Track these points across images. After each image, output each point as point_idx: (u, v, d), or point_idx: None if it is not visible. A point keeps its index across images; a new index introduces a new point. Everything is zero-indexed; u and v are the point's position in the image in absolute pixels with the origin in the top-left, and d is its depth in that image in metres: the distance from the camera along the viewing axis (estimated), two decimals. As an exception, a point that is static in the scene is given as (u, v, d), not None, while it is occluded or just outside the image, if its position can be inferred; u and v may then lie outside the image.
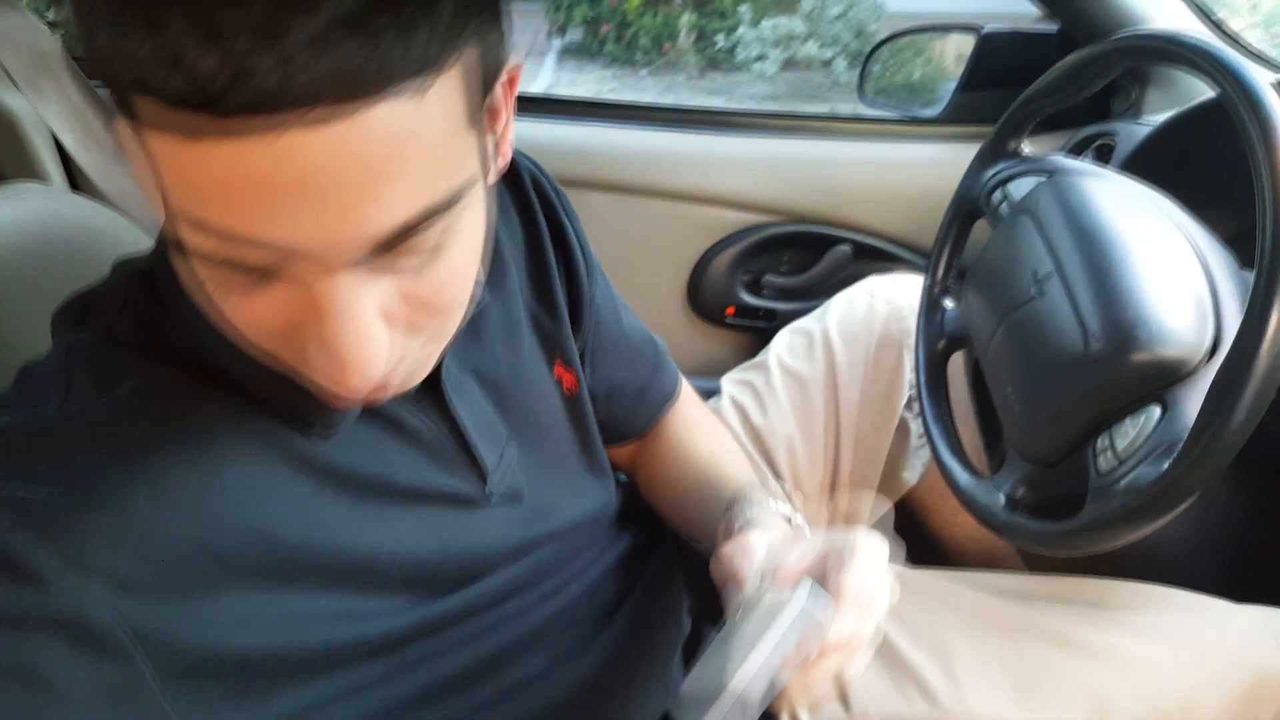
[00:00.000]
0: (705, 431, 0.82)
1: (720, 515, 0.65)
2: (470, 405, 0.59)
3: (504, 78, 0.44)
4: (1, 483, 0.41)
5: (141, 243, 0.81)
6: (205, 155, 0.32)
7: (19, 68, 0.89)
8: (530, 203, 0.67)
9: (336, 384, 0.40)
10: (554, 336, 0.67)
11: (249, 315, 0.40)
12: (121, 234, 0.81)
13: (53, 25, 1.03)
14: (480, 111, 0.40)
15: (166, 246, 0.47)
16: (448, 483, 0.57)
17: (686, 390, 0.85)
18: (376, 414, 0.52)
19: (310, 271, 0.37)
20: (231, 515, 0.45)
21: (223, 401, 0.47)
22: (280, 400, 0.48)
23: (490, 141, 0.44)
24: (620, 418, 0.78)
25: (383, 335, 0.39)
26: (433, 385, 0.56)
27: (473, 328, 0.60)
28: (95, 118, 0.91)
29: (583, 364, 0.72)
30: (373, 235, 0.36)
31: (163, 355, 0.47)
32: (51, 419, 0.44)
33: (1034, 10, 1.07)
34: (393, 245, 0.37)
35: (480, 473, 0.59)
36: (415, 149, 0.35)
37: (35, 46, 0.91)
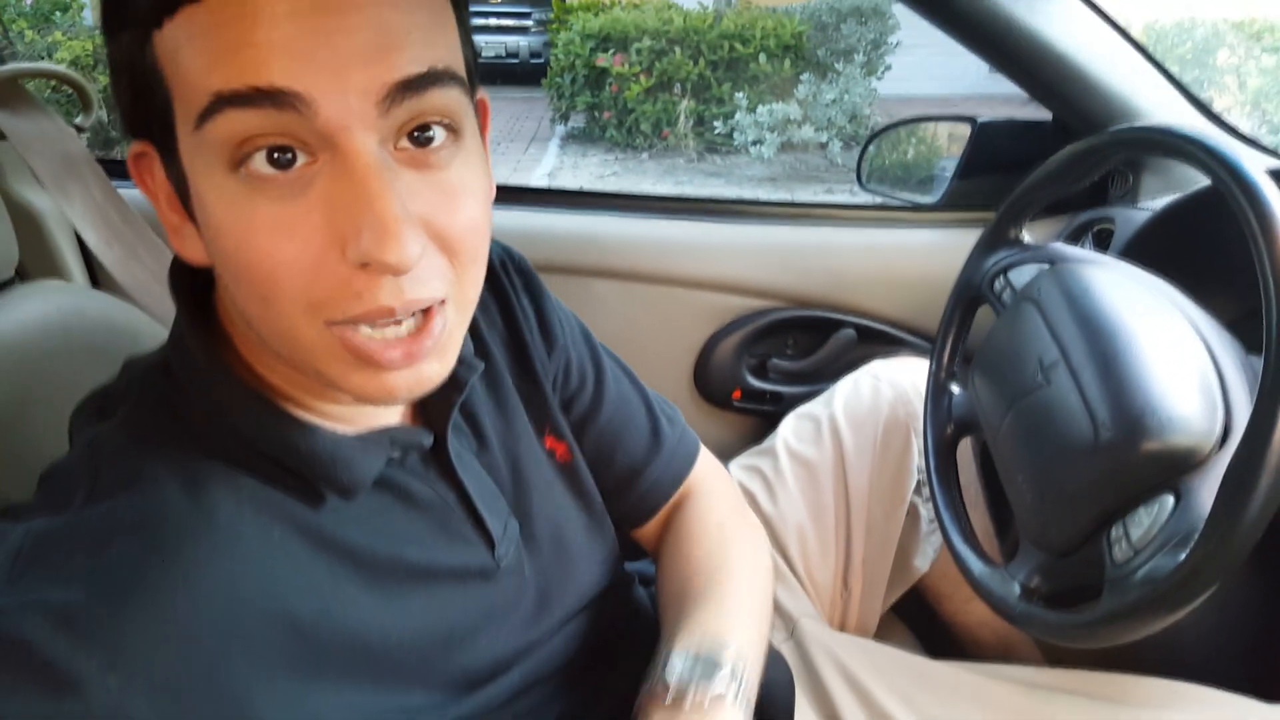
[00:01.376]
0: (703, 532, 0.76)
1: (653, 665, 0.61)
2: (473, 476, 0.59)
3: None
4: (39, 587, 0.41)
5: (161, 338, 0.82)
6: (258, 3, 0.39)
7: (47, 169, 0.93)
8: (502, 282, 0.69)
9: (382, 262, 0.41)
10: (541, 409, 0.68)
11: (289, 247, 0.41)
12: (142, 329, 0.83)
13: (79, 129, 1.07)
14: (464, 9, 0.47)
15: (181, 335, 0.50)
16: (458, 556, 0.57)
17: (708, 472, 0.81)
18: (387, 486, 0.53)
19: (336, 135, 0.40)
20: (260, 603, 0.45)
21: (243, 483, 0.48)
22: (302, 463, 0.49)
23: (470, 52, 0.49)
24: (617, 489, 0.75)
25: (412, 211, 0.42)
26: (438, 454, 0.58)
27: (465, 407, 0.61)
28: (117, 215, 0.94)
29: (579, 432, 0.73)
30: (387, 79, 0.41)
31: (182, 441, 0.48)
32: (82, 518, 0.44)
33: (1020, 93, 1.10)
34: (406, 95, 0.41)
35: (489, 542, 0.59)
36: (410, 5, 0.42)
37: (63, 149, 0.94)
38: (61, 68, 1.11)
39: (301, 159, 0.41)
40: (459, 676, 0.56)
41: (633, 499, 0.76)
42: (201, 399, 0.49)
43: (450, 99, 0.44)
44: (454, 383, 0.57)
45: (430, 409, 0.58)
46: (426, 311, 0.45)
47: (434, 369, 0.47)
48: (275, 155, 0.41)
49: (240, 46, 0.39)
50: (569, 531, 0.68)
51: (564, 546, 0.67)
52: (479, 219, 0.46)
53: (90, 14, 7.85)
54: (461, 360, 0.57)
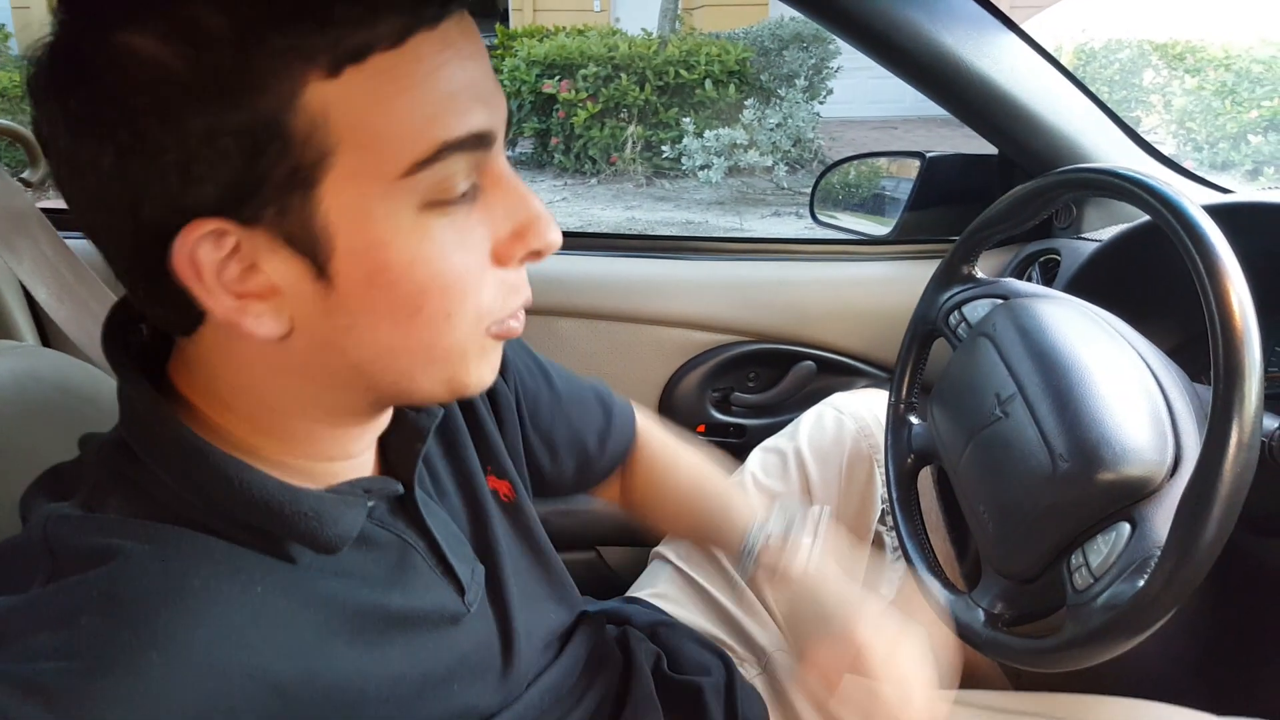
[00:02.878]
0: (678, 448, 0.89)
1: (732, 532, 0.78)
2: (438, 522, 0.60)
3: None
4: (17, 660, 0.40)
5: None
6: (448, 49, 0.43)
7: None
8: None
9: (553, 243, 0.49)
10: (486, 449, 0.69)
11: (469, 260, 0.47)
12: (101, 387, 0.80)
13: (26, 184, 1.05)
14: None
15: (134, 407, 0.49)
16: (431, 601, 0.57)
17: (648, 421, 0.90)
18: (361, 537, 0.53)
19: (494, 159, 0.47)
20: (239, 665, 0.45)
21: (215, 547, 0.47)
22: (284, 523, 0.48)
23: None
24: (595, 460, 0.83)
25: None
26: (405, 503, 0.58)
27: (426, 458, 0.62)
28: (68, 271, 0.91)
29: (534, 447, 0.77)
30: (507, 112, 0.48)
31: (147, 514, 0.47)
32: (44, 594, 0.43)
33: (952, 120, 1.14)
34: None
35: (458, 587, 0.59)
36: None
37: (10, 206, 0.91)
38: (7, 122, 1.09)
39: (477, 186, 0.47)
40: None
41: (607, 457, 0.84)
42: (170, 471, 0.47)
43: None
44: (416, 431, 0.58)
45: (394, 458, 0.58)
46: None
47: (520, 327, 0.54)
48: (465, 184, 0.45)
49: (454, 94, 0.43)
50: (520, 569, 0.68)
51: (523, 588, 0.67)
52: None
53: (17, 44, 7.66)
54: (422, 409, 0.59)
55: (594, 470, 0.84)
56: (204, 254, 0.42)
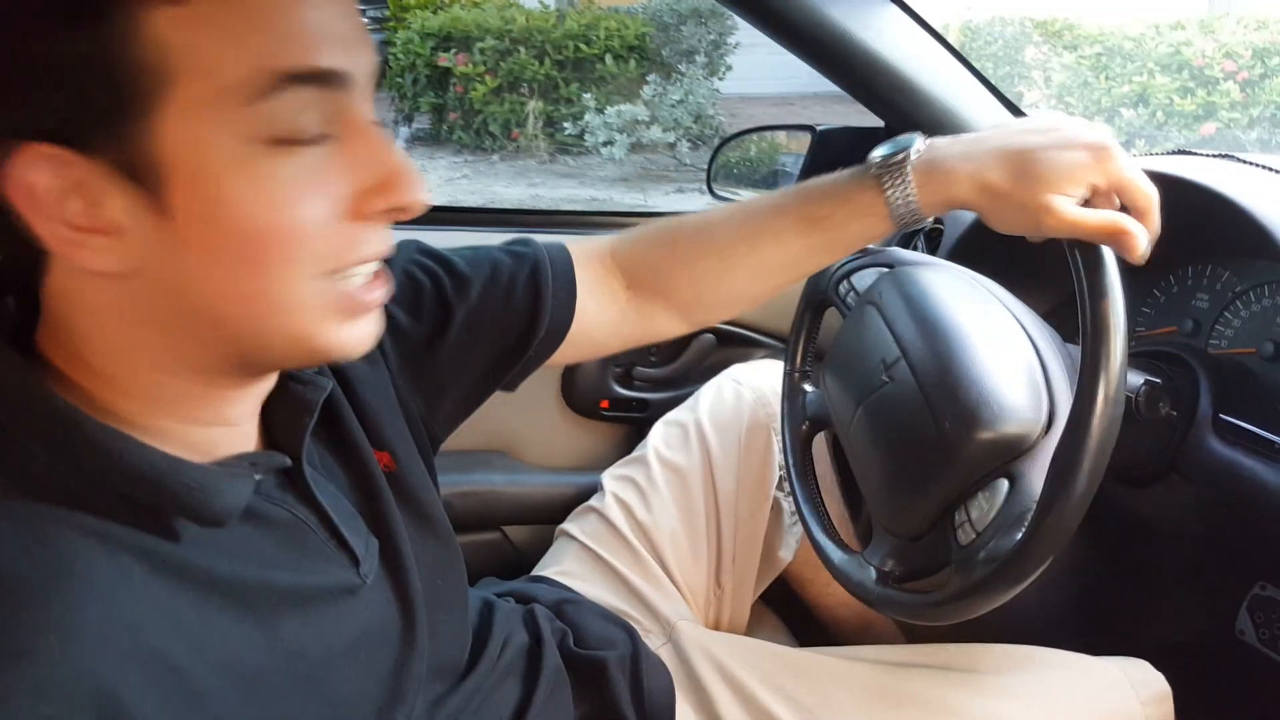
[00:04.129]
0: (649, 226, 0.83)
1: (833, 185, 0.74)
2: (328, 496, 0.59)
3: None
4: None
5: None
6: None
7: None
8: None
9: (405, 201, 0.48)
10: (364, 419, 0.67)
11: (316, 208, 0.45)
12: None
13: None
14: None
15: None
16: (325, 575, 0.56)
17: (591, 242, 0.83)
18: (248, 512, 0.52)
19: (353, 107, 0.46)
20: (131, 646, 0.44)
21: (93, 526, 0.45)
22: (167, 497, 0.47)
23: None
24: (547, 300, 0.75)
25: None
26: (294, 477, 0.57)
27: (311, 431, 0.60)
28: None
29: (432, 387, 0.73)
30: (373, 57, 0.47)
31: (22, 493, 0.45)
32: None
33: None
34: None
35: (353, 558, 0.59)
36: None
37: None
38: None
39: (322, 126, 0.45)
40: (349, 702, 0.55)
41: (559, 285, 0.76)
42: (42, 443, 0.46)
43: None
44: (304, 403, 0.57)
45: (280, 432, 0.57)
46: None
47: (381, 321, 0.53)
48: (310, 125, 0.44)
49: (303, 28, 0.43)
50: (414, 541, 0.67)
51: (417, 556, 0.66)
52: None
53: None
54: (309, 381, 0.58)
55: (560, 305, 0.76)
56: (40, 179, 0.42)
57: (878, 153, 0.71)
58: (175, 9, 0.40)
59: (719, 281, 0.79)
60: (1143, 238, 0.62)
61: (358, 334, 0.51)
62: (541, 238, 0.80)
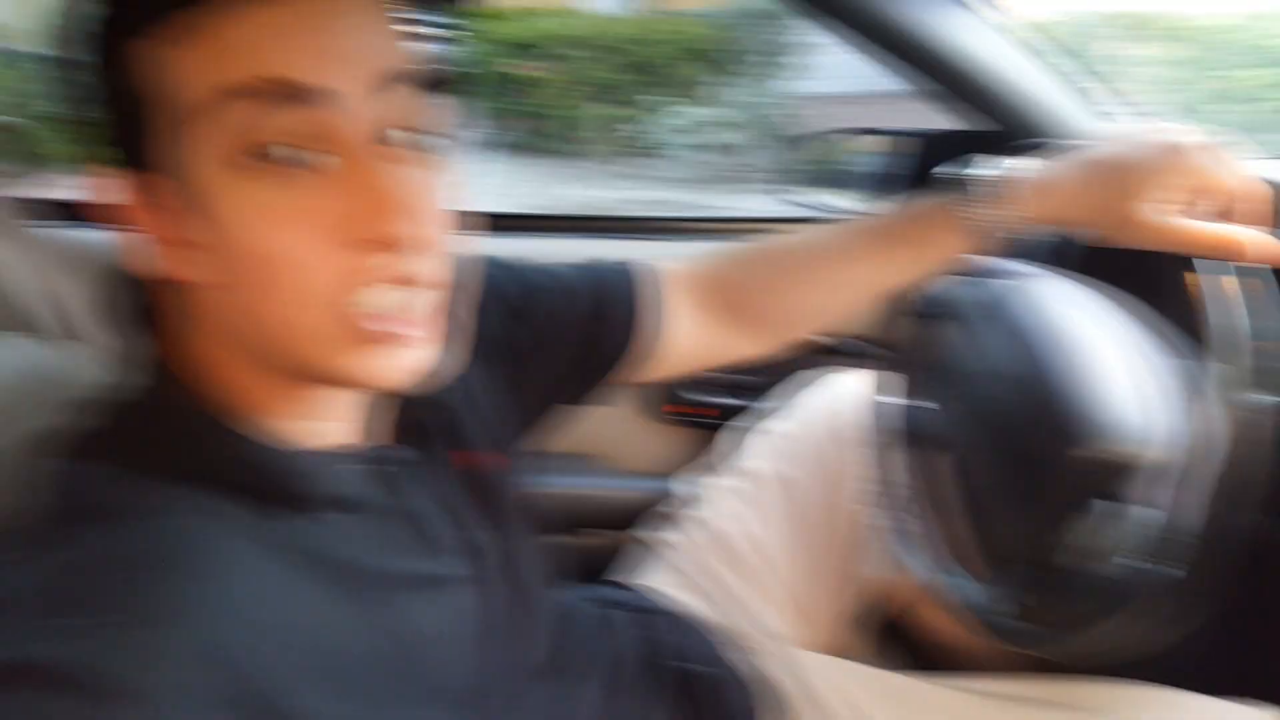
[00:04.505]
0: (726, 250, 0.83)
1: (916, 211, 0.74)
2: (435, 488, 0.62)
3: None
4: (63, 617, 0.41)
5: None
6: (258, 6, 0.43)
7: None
8: None
9: (385, 233, 0.45)
10: (472, 418, 0.68)
11: (303, 238, 0.45)
12: (88, 373, 0.79)
13: (11, 175, 1.02)
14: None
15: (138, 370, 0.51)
16: (433, 565, 0.59)
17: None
18: (361, 500, 0.55)
19: (337, 128, 0.45)
20: (259, 618, 0.46)
21: (223, 508, 0.48)
22: (283, 482, 0.50)
23: None
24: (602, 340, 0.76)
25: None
26: (405, 469, 0.60)
27: (421, 424, 0.63)
28: (54, 260, 0.92)
29: (530, 396, 0.74)
30: (374, 73, 0.46)
31: (150, 473, 0.48)
32: (64, 547, 0.44)
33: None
34: (390, 86, 0.46)
35: (454, 549, 0.61)
36: (381, 13, 0.48)
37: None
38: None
39: (315, 153, 0.45)
40: (441, 689, 0.56)
41: (647, 305, 0.76)
42: (164, 430, 0.50)
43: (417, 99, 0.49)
44: (413, 398, 0.59)
45: (381, 426, 0.60)
46: (421, 301, 0.50)
47: (423, 355, 0.51)
48: (292, 149, 0.45)
49: (244, 44, 0.43)
50: (508, 540, 0.68)
51: (510, 556, 0.67)
52: (445, 220, 0.51)
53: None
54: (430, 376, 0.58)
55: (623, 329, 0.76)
56: (131, 196, 0.48)
57: (966, 172, 0.71)
58: (142, 41, 0.44)
59: (802, 300, 0.80)
60: (1252, 241, 0.60)
61: (387, 364, 0.49)
62: (614, 246, 0.81)
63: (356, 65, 0.45)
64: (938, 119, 1.18)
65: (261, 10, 0.43)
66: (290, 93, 0.44)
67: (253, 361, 0.51)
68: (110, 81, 0.45)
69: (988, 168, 0.70)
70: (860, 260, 0.77)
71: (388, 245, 0.46)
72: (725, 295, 0.81)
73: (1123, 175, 0.65)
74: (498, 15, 7.15)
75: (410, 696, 0.54)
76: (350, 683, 0.50)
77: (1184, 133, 0.65)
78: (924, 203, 0.74)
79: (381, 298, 0.48)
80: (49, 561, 0.43)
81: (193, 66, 0.44)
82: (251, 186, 0.45)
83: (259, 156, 0.44)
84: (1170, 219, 0.63)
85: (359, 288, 0.47)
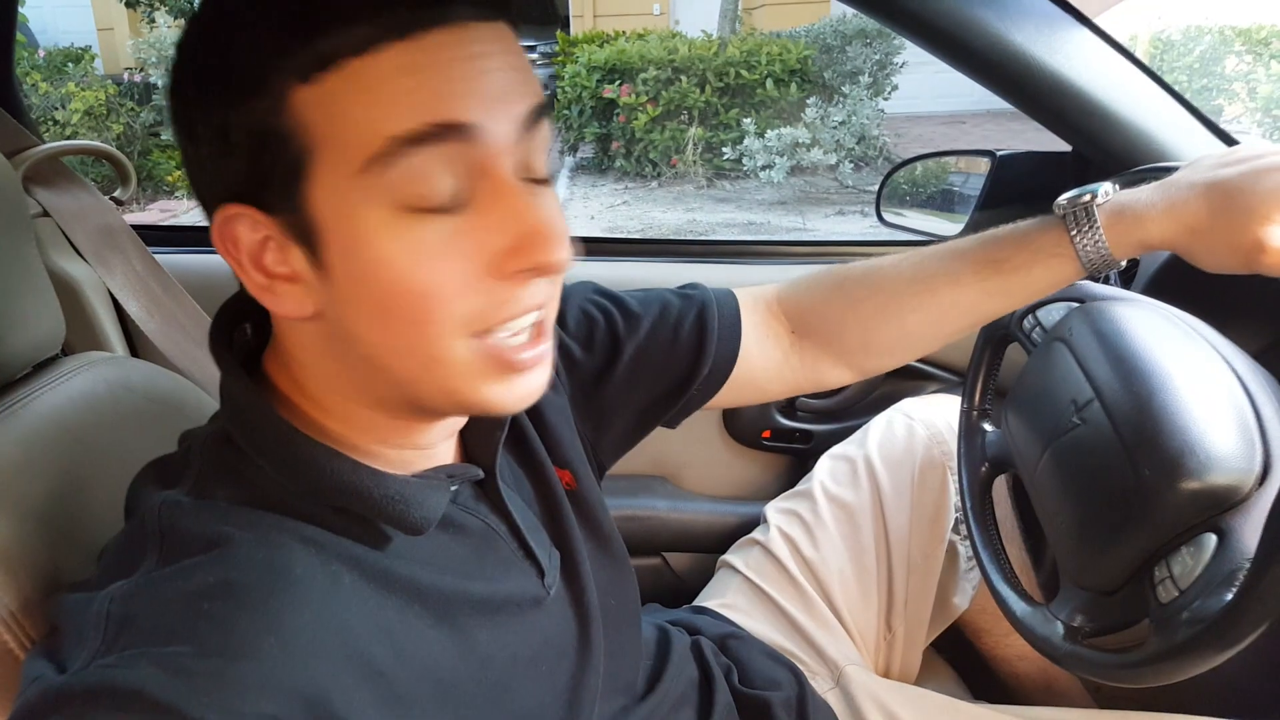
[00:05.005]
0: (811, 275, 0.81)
1: (1015, 234, 0.72)
2: (517, 507, 0.62)
3: None
4: (141, 644, 0.43)
5: (205, 405, 0.84)
6: (422, 55, 0.44)
7: (87, 243, 0.95)
8: None
9: (541, 262, 0.47)
10: (550, 438, 0.70)
11: (454, 267, 0.46)
12: (187, 396, 0.83)
13: (118, 202, 1.09)
14: None
15: (235, 400, 0.52)
16: (514, 585, 0.59)
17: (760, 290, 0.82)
18: (445, 522, 0.55)
19: (492, 165, 0.46)
20: (340, 649, 0.47)
21: (311, 534, 0.50)
22: (373, 507, 0.51)
23: None
24: (712, 349, 0.75)
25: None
26: (487, 488, 0.61)
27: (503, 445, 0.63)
28: (157, 285, 0.96)
29: (606, 416, 0.75)
30: (523, 111, 0.47)
31: (250, 502, 0.50)
32: (163, 578, 0.46)
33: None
34: (532, 123, 0.47)
35: (539, 569, 0.61)
36: (520, 49, 0.48)
37: (102, 222, 0.96)
38: (100, 144, 1.14)
39: (473, 190, 0.46)
40: (530, 712, 0.57)
41: (724, 329, 0.76)
42: (268, 459, 0.51)
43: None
44: (496, 420, 0.60)
45: (474, 446, 0.61)
46: (537, 323, 0.51)
47: (544, 376, 0.52)
48: (456, 188, 0.46)
49: (416, 93, 0.44)
50: (591, 558, 0.69)
51: (593, 574, 0.68)
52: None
53: (102, 64, 7.99)
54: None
55: (723, 348, 0.76)
56: (241, 233, 0.47)
57: (1064, 196, 0.69)
58: (308, 87, 0.44)
59: (888, 326, 0.77)
60: None
61: (516, 393, 0.51)
62: (704, 270, 0.81)
63: (509, 103, 0.46)
64: (1044, 139, 1.16)
65: (426, 54, 0.44)
66: (460, 135, 0.44)
67: (357, 391, 0.52)
68: (260, 122, 0.44)
69: (1098, 191, 0.68)
70: (963, 286, 0.73)
71: (543, 273, 0.47)
72: (809, 319, 0.79)
73: (1237, 196, 0.62)
74: (592, 39, 7.29)
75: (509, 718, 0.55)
76: (441, 711, 0.51)
77: None
78: (1033, 227, 0.71)
79: (522, 326, 0.50)
80: (161, 591, 0.45)
81: (365, 114, 0.44)
82: (416, 225, 0.45)
83: (425, 197, 0.45)
84: None
85: (507, 319, 0.48)
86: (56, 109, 6.67)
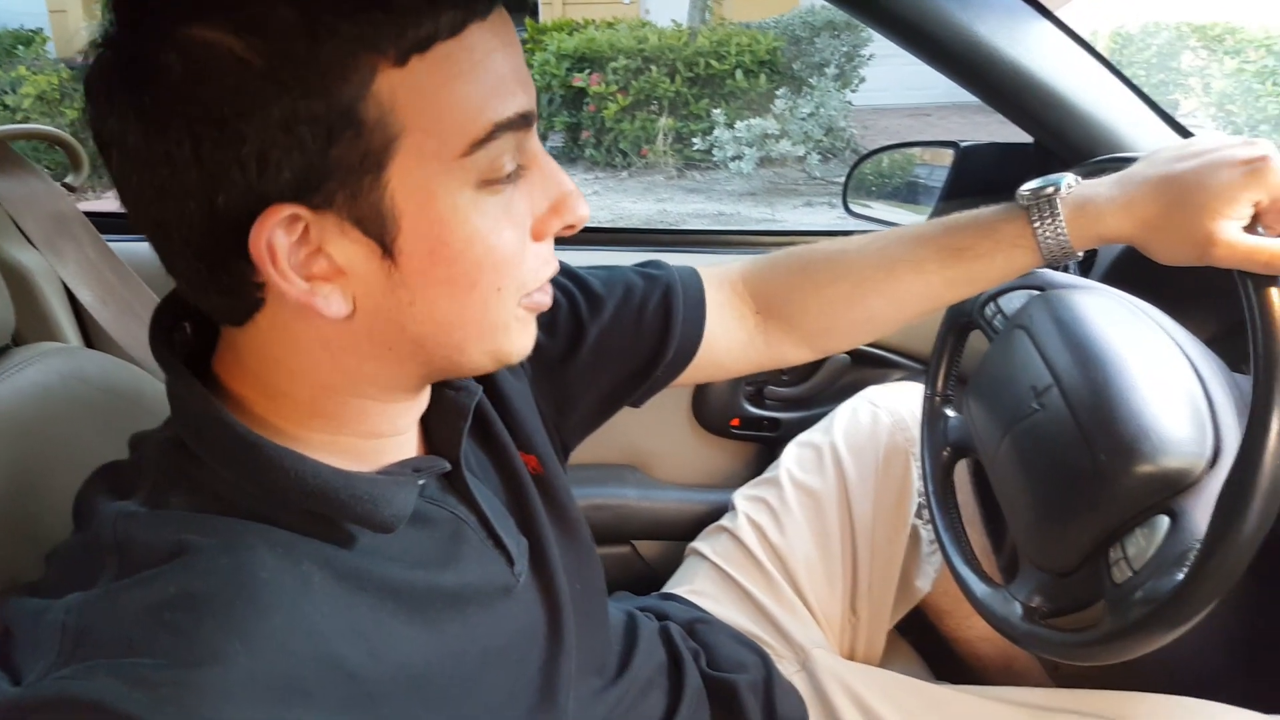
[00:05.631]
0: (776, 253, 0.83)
1: (978, 222, 0.74)
2: (484, 497, 0.61)
3: None
4: (100, 655, 0.42)
5: (163, 397, 0.82)
6: (495, 39, 0.46)
7: (38, 230, 0.93)
8: None
9: (576, 217, 0.52)
10: (513, 423, 0.69)
11: (514, 235, 0.49)
12: (143, 388, 0.82)
13: (70, 188, 1.07)
14: None
15: (185, 404, 0.51)
16: (483, 575, 0.59)
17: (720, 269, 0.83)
18: (414, 517, 0.54)
19: (532, 144, 0.50)
20: (310, 653, 0.46)
21: (278, 537, 0.49)
22: (340, 508, 0.50)
23: None
24: (677, 328, 0.76)
25: None
26: (453, 479, 0.60)
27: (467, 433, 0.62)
28: (111, 273, 0.94)
29: (568, 397, 0.75)
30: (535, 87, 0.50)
31: (211, 510, 0.49)
32: (123, 590, 0.45)
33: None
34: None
35: (508, 558, 0.61)
36: None
37: (54, 209, 0.94)
38: (52, 129, 1.11)
39: (515, 160, 0.49)
40: (503, 701, 0.58)
41: (689, 309, 0.77)
42: (228, 466, 0.49)
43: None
44: (459, 409, 0.60)
45: (438, 438, 0.60)
46: None
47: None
48: (515, 166, 0.49)
49: (503, 79, 0.46)
50: (558, 543, 0.69)
51: (560, 559, 0.67)
52: None
53: (54, 47, 7.78)
54: (462, 387, 0.60)
55: (689, 332, 0.77)
56: (278, 239, 0.44)
57: (1027, 187, 0.70)
58: (398, 71, 0.43)
59: (850, 309, 0.78)
60: None
61: (529, 338, 0.55)
62: (673, 260, 0.81)
63: (534, 87, 0.50)
64: (1007, 131, 1.18)
65: (497, 37, 0.46)
66: (527, 121, 0.48)
67: (365, 381, 0.51)
68: (341, 109, 0.43)
69: (1060, 184, 0.69)
70: (926, 273, 0.75)
71: (574, 229, 0.52)
72: (773, 299, 0.80)
73: (1190, 191, 0.63)
74: (561, 28, 7.25)
75: (472, 712, 0.55)
76: (414, 706, 0.50)
77: (1249, 144, 0.63)
78: (996, 217, 0.72)
79: (549, 276, 0.54)
80: (120, 602, 0.44)
81: (465, 99, 0.45)
82: (490, 200, 0.48)
83: (497, 173, 0.47)
84: (1243, 238, 0.61)
85: (549, 277, 0.53)
86: (6, 93, 6.50)
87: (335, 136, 0.43)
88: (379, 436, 0.55)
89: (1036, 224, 0.69)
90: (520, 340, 0.54)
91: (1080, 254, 0.71)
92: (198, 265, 0.46)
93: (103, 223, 1.01)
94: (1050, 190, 0.69)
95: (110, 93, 0.44)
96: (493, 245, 0.48)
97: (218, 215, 0.44)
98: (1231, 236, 0.61)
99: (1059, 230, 0.68)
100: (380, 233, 0.46)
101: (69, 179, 1.10)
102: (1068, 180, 0.69)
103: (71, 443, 0.72)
